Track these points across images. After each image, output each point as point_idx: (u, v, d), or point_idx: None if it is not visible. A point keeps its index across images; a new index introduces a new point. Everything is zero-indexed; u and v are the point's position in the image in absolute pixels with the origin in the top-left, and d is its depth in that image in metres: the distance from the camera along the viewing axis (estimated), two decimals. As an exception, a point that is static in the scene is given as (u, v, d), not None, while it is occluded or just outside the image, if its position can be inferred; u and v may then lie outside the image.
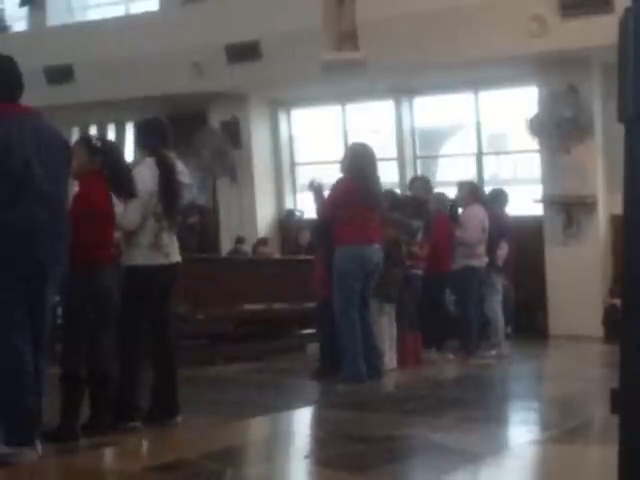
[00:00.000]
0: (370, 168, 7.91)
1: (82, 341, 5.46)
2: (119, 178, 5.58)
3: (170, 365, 5.92)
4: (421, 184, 9.82)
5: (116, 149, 5.95)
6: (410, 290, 8.76)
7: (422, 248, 8.81)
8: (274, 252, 14.00)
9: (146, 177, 5.81)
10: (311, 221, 10.05)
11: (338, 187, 7.94)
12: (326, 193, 8.05)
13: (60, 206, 4.88)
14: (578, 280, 11.70)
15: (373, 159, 8.05)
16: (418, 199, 9.23)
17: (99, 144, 5.72)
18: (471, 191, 10.03)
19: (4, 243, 4.63)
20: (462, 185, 10.23)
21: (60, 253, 4.86)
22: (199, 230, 14.12)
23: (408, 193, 9.98)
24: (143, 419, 5.74)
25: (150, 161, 5.92)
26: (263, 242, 14.04)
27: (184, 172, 6.13)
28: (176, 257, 5.98)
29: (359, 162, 7.86)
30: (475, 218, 9.65)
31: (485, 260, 9.63)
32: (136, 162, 6.08)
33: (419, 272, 8.81)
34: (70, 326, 5.47)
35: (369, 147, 8.21)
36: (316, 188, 8.02)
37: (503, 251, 9.94)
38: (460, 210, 9.99)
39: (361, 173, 7.77)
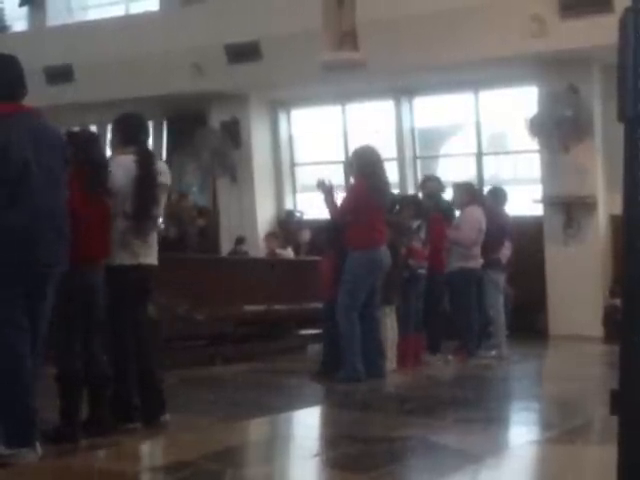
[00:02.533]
0: (380, 169, 7.94)
1: (75, 340, 5.44)
2: (89, 173, 5.46)
3: (146, 366, 5.87)
4: (435, 184, 9.87)
5: (87, 142, 5.76)
6: (414, 291, 8.76)
7: (425, 246, 8.81)
8: (279, 245, 13.84)
9: (115, 175, 5.73)
10: (319, 222, 10.05)
11: (354, 191, 7.95)
12: (337, 194, 8.05)
13: (59, 206, 4.87)
14: (578, 280, 11.71)
15: (381, 160, 8.08)
16: (415, 199, 9.24)
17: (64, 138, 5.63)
18: (468, 192, 10.01)
19: (3, 243, 4.62)
20: (458, 186, 10.22)
21: (60, 253, 4.85)
22: (204, 232, 14.14)
23: (418, 192, 10.00)
24: (142, 419, 5.73)
25: (123, 159, 5.82)
26: (273, 236, 13.97)
27: (164, 172, 6.05)
28: (147, 259, 5.84)
29: (369, 164, 7.87)
30: (471, 219, 9.63)
31: (481, 261, 9.63)
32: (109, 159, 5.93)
33: (423, 272, 8.80)
34: (62, 325, 5.46)
35: (375, 149, 8.24)
36: (327, 188, 7.98)
37: (508, 250, 9.94)
38: (458, 211, 9.98)
39: (372, 175, 7.79)
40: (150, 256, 5.87)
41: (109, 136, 6.21)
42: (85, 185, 5.38)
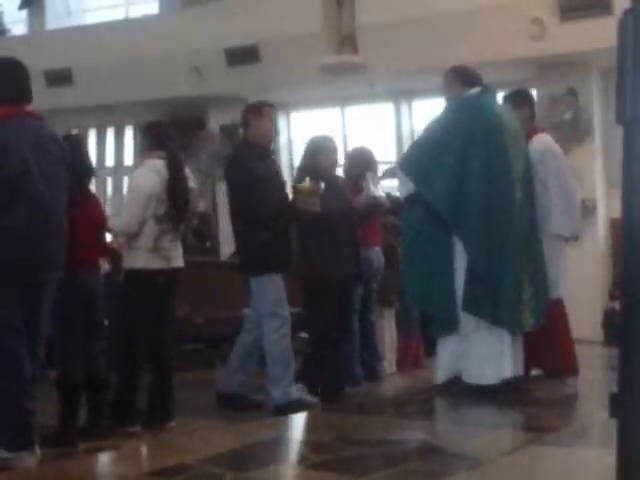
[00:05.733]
0: (367, 171, 7.93)
1: (75, 345, 5.44)
2: (73, 177, 5.46)
3: (166, 370, 5.91)
4: None
5: (72, 146, 5.80)
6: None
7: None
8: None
9: (146, 179, 5.80)
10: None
11: None
12: None
13: (58, 210, 4.87)
14: (577, 283, 11.67)
15: (371, 163, 8.06)
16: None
17: None
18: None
19: (1, 246, 4.62)
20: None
21: (57, 257, 4.85)
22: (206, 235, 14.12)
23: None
24: (141, 423, 5.74)
25: (152, 163, 5.90)
26: None
27: (191, 177, 6.16)
28: (178, 262, 5.97)
29: (356, 166, 7.89)
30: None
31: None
32: (137, 164, 6.09)
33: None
34: (61, 330, 5.46)
35: (367, 150, 8.25)
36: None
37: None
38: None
39: (358, 177, 7.79)
40: (179, 259, 5.97)
41: (139, 141, 6.30)
42: (72, 189, 5.39)
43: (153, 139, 6.07)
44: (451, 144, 6.41)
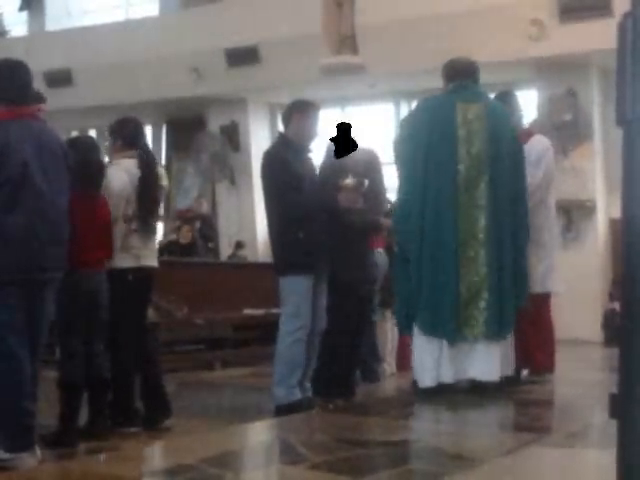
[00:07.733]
0: (373, 173, 7.93)
1: (76, 345, 5.44)
2: (86, 177, 5.48)
3: (149, 370, 5.89)
4: None
5: (87, 146, 5.81)
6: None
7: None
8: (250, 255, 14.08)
9: (116, 178, 5.77)
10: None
11: None
12: None
13: (59, 211, 4.87)
14: (577, 284, 11.70)
15: (374, 164, 8.07)
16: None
17: None
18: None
19: (2, 247, 4.62)
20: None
21: (59, 258, 4.85)
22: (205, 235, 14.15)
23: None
24: (142, 423, 5.75)
25: (126, 162, 5.87)
26: (240, 245, 14.14)
27: (163, 175, 6.13)
28: (149, 261, 5.89)
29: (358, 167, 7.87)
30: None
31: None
32: (108, 163, 6.03)
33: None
34: (64, 330, 5.46)
35: (368, 151, 8.25)
36: None
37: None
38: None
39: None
40: (151, 258, 5.92)
41: (109, 140, 6.22)
42: (82, 188, 5.40)
43: (124, 138, 6.03)
44: (411, 149, 6.48)
